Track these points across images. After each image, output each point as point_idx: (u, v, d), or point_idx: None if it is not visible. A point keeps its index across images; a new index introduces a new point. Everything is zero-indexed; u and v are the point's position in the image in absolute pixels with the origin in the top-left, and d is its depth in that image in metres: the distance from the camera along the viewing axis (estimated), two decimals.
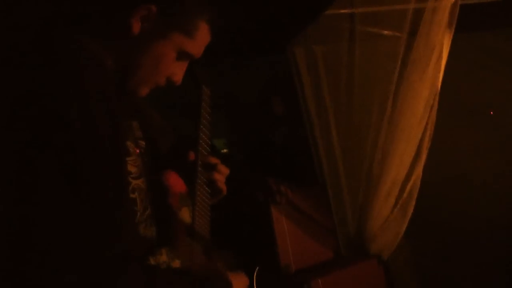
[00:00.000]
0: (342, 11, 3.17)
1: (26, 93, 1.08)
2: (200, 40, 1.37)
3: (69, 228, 1.04)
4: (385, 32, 3.00)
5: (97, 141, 1.09)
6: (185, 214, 1.53)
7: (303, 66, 3.53)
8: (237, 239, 1.90)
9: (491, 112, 2.77)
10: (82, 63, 1.17)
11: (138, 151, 1.40)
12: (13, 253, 1.04)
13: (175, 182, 1.52)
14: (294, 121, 3.63)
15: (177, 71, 1.40)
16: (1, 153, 1.07)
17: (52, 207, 1.03)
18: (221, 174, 1.62)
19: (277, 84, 3.76)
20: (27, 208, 1.04)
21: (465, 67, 3.65)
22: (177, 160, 1.60)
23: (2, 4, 1.33)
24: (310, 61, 3.52)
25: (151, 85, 1.37)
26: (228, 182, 1.69)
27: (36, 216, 1.03)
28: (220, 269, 1.65)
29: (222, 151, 3.71)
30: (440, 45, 2.50)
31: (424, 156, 2.76)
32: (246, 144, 3.71)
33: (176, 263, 1.39)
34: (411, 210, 2.89)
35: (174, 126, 1.84)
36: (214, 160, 1.62)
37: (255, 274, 2.22)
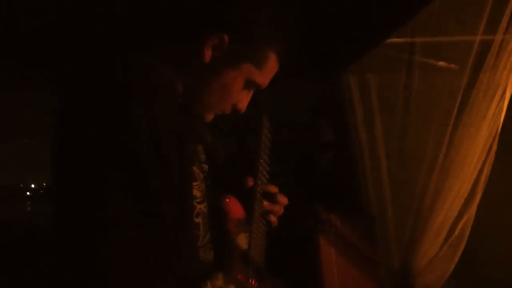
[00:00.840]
0: (402, 40, 3.12)
1: (98, 115, 1.09)
2: (268, 70, 1.39)
3: (134, 248, 1.05)
4: (446, 65, 2.94)
5: (165, 164, 1.11)
6: (242, 240, 1.54)
7: (356, 94, 3.50)
8: (286, 267, 1.89)
9: None
10: (154, 86, 1.19)
11: (202, 175, 1.42)
12: (76, 269, 1.07)
13: (234, 207, 1.54)
14: (341, 148, 3.59)
15: (243, 99, 1.42)
16: (76, 173, 1.09)
17: (119, 228, 1.05)
18: (280, 205, 1.62)
19: (327, 109, 3.73)
20: (95, 225, 1.05)
21: None
22: (236, 186, 1.60)
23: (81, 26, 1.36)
24: (363, 89, 3.48)
25: (217, 112, 1.40)
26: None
27: (103, 235, 1.05)
28: None
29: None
30: (505, 82, 2.44)
31: (478, 197, 2.70)
32: (290, 168, 3.68)
33: None
34: (460, 249, 2.83)
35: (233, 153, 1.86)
36: (273, 189, 1.62)
37: None
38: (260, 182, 1.60)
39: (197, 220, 1.34)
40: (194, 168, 1.36)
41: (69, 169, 1.10)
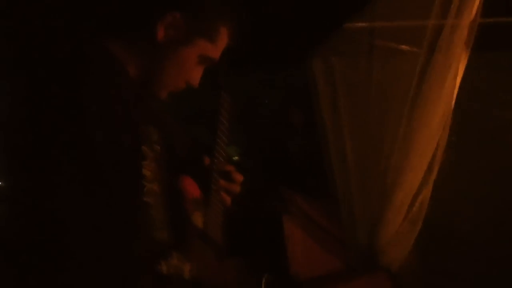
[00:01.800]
0: (362, 24, 3.19)
1: (47, 99, 1.10)
2: (220, 44, 1.42)
3: (83, 229, 1.05)
4: (404, 47, 3.02)
5: (114, 143, 1.12)
6: (197, 219, 1.56)
7: (321, 78, 3.54)
8: (248, 246, 1.91)
9: None
10: (104, 66, 1.22)
11: (153, 155, 1.43)
12: (28, 252, 1.06)
13: (189, 187, 1.56)
14: (310, 132, 3.64)
15: (196, 75, 1.45)
16: (21, 152, 1.09)
17: (67, 208, 1.05)
18: (236, 183, 1.66)
19: (297, 95, 3.78)
20: (43, 207, 1.05)
21: (483, 88, 3.63)
22: (192, 165, 1.64)
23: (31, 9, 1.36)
24: (327, 73, 3.53)
25: (171, 89, 1.42)
26: (241, 189, 1.72)
27: (51, 216, 1.05)
28: (230, 276, 1.67)
29: (233, 158, 3.74)
30: (457, 63, 2.52)
31: (435, 172, 2.77)
32: (260, 153, 3.73)
33: (187, 267, 1.42)
34: (420, 223, 2.90)
35: (190, 133, 1.88)
36: (229, 167, 1.66)
37: (264, 281, 2.23)
38: (216, 160, 1.63)
39: (148, 199, 1.33)
40: (144, 147, 1.36)
41: (19, 155, 1.09)
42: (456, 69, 2.54)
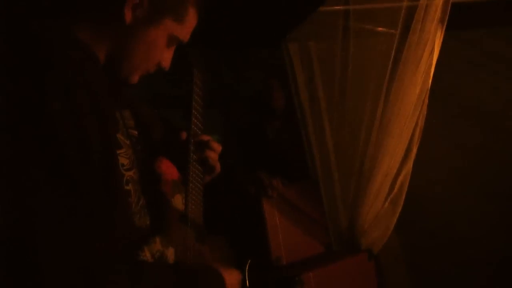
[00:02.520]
0: (337, 7, 3.19)
1: (10, 86, 1.06)
2: (189, 24, 1.40)
3: (61, 224, 1.01)
4: (379, 29, 3.02)
5: (84, 135, 1.07)
6: (178, 201, 1.55)
7: (297, 62, 3.55)
8: (229, 231, 1.91)
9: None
10: (70, 53, 1.17)
11: (129, 142, 1.40)
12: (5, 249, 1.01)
13: (168, 169, 1.54)
14: (287, 116, 3.64)
15: (167, 57, 1.43)
16: None
17: (41, 204, 1.01)
18: (214, 151, 1.65)
19: (276, 79, 3.77)
20: (14, 205, 1.01)
21: (459, 66, 3.66)
22: (169, 146, 1.63)
23: None
24: (304, 56, 3.54)
25: (142, 72, 1.39)
26: (220, 176, 1.74)
27: (24, 213, 1.01)
28: (213, 257, 1.67)
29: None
30: (432, 41, 2.52)
31: (414, 151, 2.78)
32: (239, 138, 3.72)
33: (170, 251, 1.41)
34: (400, 204, 2.91)
35: (164, 115, 1.87)
36: (206, 137, 1.65)
37: (247, 266, 2.23)
38: (193, 133, 1.63)
39: (127, 187, 1.31)
40: (118, 135, 1.34)
41: None
42: (431, 47, 2.55)
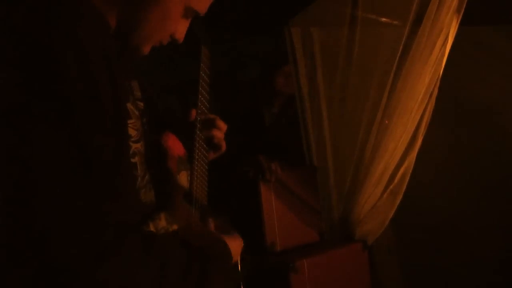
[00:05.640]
0: None
1: (21, 47, 1.00)
2: None
3: (66, 194, 0.97)
4: (387, 19, 2.98)
5: (97, 101, 1.02)
6: (183, 178, 1.52)
7: (299, 47, 3.50)
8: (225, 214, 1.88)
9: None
10: (81, 17, 1.10)
11: (138, 113, 1.36)
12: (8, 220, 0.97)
13: (174, 145, 1.51)
14: (286, 102, 3.59)
15: (181, 29, 1.36)
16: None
17: (46, 173, 0.96)
18: (220, 130, 1.63)
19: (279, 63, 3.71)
20: (19, 169, 0.96)
21: (462, 63, 3.64)
22: (176, 121, 1.61)
23: None
24: (306, 42, 3.48)
25: (155, 43, 1.32)
26: (219, 159, 1.70)
27: (30, 182, 0.96)
28: (216, 232, 1.62)
29: None
30: (447, 28, 2.49)
31: (419, 143, 2.76)
32: (238, 122, 3.66)
33: (175, 228, 1.37)
34: (400, 196, 2.90)
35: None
36: (212, 116, 1.63)
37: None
38: (199, 112, 1.61)
39: (133, 160, 1.28)
40: (128, 105, 1.29)
41: None
42: (445, 35, 2.52)
